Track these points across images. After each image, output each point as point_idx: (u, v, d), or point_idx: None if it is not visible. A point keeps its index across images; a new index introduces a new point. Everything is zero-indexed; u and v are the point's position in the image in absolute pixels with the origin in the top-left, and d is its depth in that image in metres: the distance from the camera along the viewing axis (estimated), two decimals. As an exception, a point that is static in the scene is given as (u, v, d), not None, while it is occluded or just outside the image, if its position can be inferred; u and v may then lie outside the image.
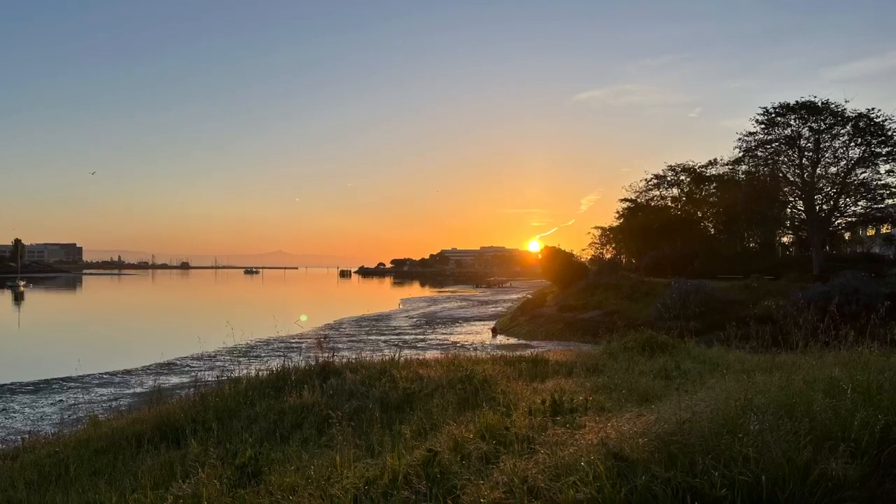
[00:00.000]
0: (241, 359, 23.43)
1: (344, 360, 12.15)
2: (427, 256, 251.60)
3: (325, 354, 12.21)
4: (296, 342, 30.38)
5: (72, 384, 21.09)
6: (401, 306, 64.96)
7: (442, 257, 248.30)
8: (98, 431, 9.66)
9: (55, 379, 21.84)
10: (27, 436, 11.53)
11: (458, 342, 31.37)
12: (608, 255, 70.53)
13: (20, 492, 7.11)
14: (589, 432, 4.91)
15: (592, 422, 5.34)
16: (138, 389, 19.81)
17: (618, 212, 65.58)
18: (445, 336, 35.88)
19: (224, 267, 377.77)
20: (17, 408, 17.57)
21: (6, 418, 16.41)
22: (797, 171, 42.48)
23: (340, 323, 44.44)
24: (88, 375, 22.29)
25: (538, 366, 11.19)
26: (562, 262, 50.93)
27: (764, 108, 42.47)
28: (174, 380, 21.14)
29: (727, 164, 51.47)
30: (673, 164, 59.52)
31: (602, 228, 72.97)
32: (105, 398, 18.64)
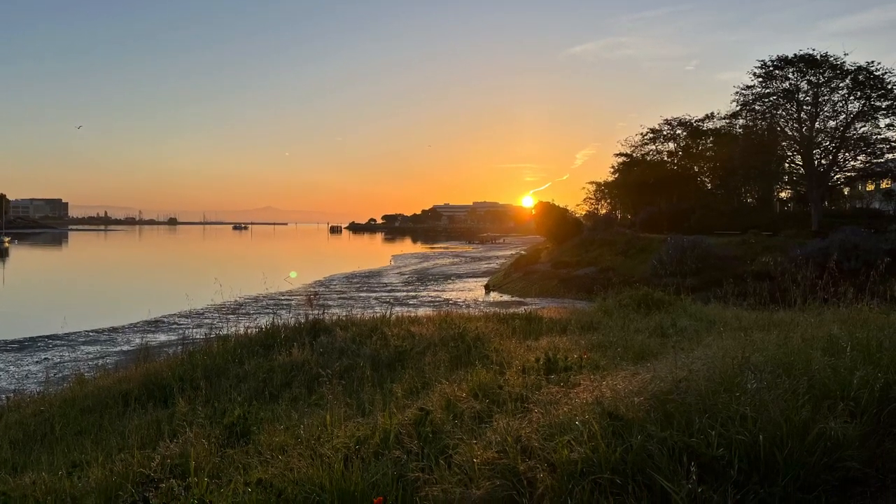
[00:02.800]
0: (229, 316, 23.38)
1: (334, 318, 12.08)
2: (419, 212, 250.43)
3: (316, 312, 12.14)
4: (285, 299, 30.34)
5: (57, 342, 20.97)
6: (392, 263, 65.00)
7: (434, 213, 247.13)
8: (84, 390, 9.58)
9: (40, 337, 21.69)
10: (12, 395, 11.42)
11: (451, 299, 31.47)
12: (603, 211, 70.73)
13: (4, 451, 7.05)
14: (584, 391, 4.82)
15: (587, 380, 5.26)
16: (125, 347, 19.75)
17: (613, 167, 65.34)
18: (437, 293, 35.96)
19: (212, 223, 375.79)
20: (1, 366, 17.46)
21: (-9, 376, 16.30)
22: (795, 125, 42.06)
23: (331, 280, 44.40)
24: (74, 333, 22.17)
25: (532, 323, 11.15)
26: (556, 217, 50.78)
27: (762, 61, 41.80)
28: (161, 337, 21.08)
29: (724, 118, 50.92)
30: (669, 117, 58.87)
31: (597, 183, 72.87)
32: (91, 356, 18.57)
